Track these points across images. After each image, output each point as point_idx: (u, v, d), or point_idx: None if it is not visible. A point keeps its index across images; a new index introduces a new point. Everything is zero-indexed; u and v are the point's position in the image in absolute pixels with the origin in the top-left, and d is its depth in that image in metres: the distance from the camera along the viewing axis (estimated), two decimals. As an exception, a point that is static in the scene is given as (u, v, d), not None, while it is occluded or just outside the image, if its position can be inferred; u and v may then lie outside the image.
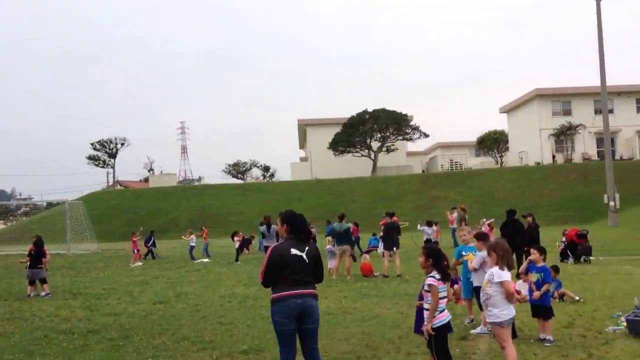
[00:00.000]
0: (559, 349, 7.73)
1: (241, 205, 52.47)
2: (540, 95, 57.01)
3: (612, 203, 34.55)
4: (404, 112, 61.50)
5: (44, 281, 14.72)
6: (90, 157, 78.73)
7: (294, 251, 5.77)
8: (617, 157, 52.21)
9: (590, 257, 18.94)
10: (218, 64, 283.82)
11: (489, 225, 20.07)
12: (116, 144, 77.80)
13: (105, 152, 78.19)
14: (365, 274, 16.48)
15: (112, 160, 78.93)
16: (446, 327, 6.09)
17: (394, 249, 16.64)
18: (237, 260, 22.72)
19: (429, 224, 22.69)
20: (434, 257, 6.09)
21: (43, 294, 14.43)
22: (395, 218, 17.88)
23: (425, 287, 6.08)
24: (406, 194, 50.37)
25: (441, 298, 6.01)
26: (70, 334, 9.59)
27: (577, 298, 11.26)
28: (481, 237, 8.85)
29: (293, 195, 52.97)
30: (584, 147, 55.71)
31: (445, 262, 6.17)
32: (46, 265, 15.27)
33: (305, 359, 5.89)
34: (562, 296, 11.29)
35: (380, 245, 19.67)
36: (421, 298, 6.27)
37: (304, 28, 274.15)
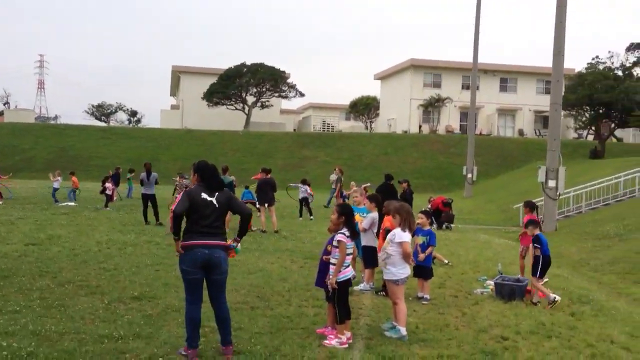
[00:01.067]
0: (435, 307, 8.39)
1: (105, 150, 50.21)
2: (415, 66, 58.84)
3: (469, 175, 36.97)
4: (281, 69, 61.29)
5: None
6: (-64, 84, 71.32)
7: (204, 195, 5.86)
8: (477, 132, 55.48)
9: (452, 225, 20.30)
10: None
11: (364, 189, 20.78)
12: (-32, 71, 70.94)
13: (-45, 79, 70.97)
14: (243, 228, 16.52)
15: (-37, 89, 72.05)
16: (348, 282, 6.42)
17: (266, 205, 16.85)
18: (106, 206, 21.94)
19: (304, 182, 23.11)
20: (346, 215, 6.36)
21: None
22: (269, 175, 17.97)
23: (334, 243, 6.34)
24: (277, 151, 50.66)
25: (348, 254, 6.32)
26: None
27: (446, 261, 12.13)
28: (373, 199, 9.28)
29: (162, 143, 51.52)
30: (449, 119, 58.50)
31: (354, 221, 6.47)
32: None
33: (212, 307, 5.99)
34: (432, 259, 12.08)
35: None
36: (326, 253, 6.53)
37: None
